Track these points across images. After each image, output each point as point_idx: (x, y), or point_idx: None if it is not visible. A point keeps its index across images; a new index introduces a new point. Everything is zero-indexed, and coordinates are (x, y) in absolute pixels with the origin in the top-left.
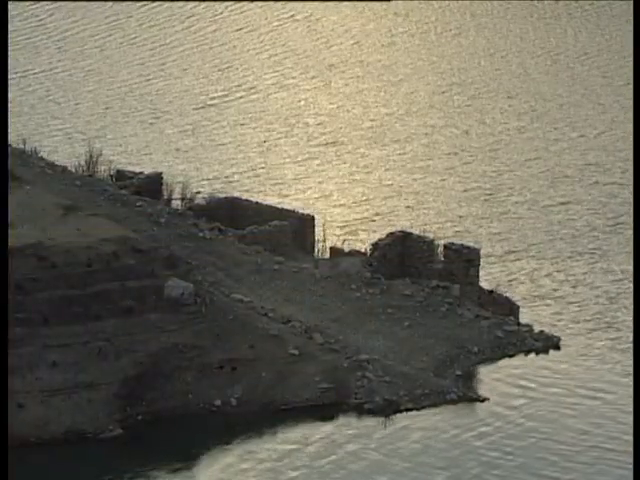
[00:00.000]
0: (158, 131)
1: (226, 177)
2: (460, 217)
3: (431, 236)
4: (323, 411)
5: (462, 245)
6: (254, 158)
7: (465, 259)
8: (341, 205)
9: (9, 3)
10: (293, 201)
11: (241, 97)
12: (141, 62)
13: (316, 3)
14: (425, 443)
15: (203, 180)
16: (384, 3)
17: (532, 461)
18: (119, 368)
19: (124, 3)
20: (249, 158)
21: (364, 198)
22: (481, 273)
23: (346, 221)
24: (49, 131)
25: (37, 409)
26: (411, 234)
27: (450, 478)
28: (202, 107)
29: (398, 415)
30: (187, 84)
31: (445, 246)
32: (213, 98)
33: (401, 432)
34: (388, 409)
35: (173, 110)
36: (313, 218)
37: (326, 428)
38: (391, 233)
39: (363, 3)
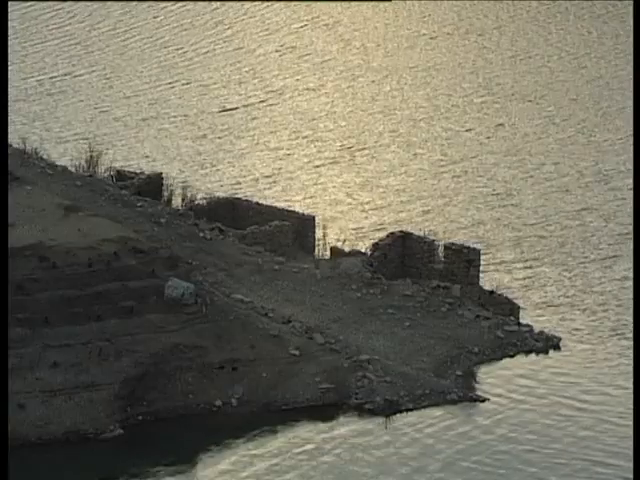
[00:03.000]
0: (171, 135)
1: (239, 182)
2: (473, 223)
3: (431, 236)
4: (323, 411)
5: (462, 245)
6: (269, 163)
7: (465, 259)
8: (353, 210)
9: (10, 3)
10: (304, 206)
11: (254, 101)
12: (155, 64)
13: (319, 3)
14: (425, 443)
15: (215, 184)
16: (392, 4)
17: (531, 462)
18: (120, 368)
19: (133, 3)
20: (264, 163)
21: (378, 203)
22: (489, 278)
23: (359, 227)
24: (55, 132)
25: (38, 409)
26: (411, 234)
27: (450, 478)
28: (217, 112)
29: (398, 415)
30: (202, 88)
31: (445, 246)
32: (228, 102)
33: (401, 432)
34: (388, 409)
35: (184, 114)
36: (314, 218)
37: (326, 428)
38: (391, 233)
39: (376, 3)
